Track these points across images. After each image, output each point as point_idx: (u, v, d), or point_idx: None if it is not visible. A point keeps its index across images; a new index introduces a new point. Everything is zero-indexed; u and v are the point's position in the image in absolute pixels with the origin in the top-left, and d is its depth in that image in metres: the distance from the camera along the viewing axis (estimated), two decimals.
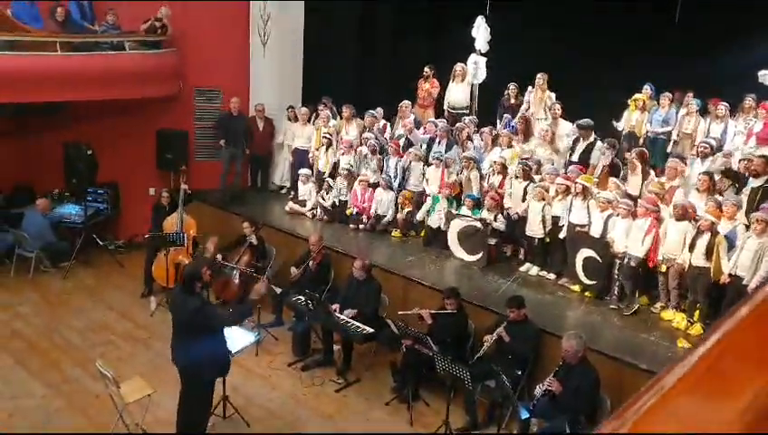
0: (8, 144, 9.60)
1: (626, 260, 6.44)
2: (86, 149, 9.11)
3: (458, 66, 9.47)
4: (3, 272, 8.75)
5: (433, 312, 6.26)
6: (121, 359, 6.76)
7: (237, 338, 5.67)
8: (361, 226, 8.63)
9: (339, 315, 6.61)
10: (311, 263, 7.36)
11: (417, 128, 9.16)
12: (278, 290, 7.31)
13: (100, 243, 9.08)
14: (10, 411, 5.82)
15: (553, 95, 8.71)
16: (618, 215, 6.61)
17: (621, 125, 8.73)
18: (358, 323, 6.50)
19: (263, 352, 7.01)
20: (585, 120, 7.81)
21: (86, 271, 8.99)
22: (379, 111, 9.69)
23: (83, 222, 9.06)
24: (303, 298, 6.79)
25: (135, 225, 9.17)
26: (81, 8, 9.06)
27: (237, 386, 6.24)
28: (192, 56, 9.80)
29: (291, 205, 9.27)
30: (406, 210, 8.45)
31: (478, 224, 7.50)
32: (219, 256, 7.80)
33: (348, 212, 8.82)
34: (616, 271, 6.57)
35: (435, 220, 8.08)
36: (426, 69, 9.71)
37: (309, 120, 9.74)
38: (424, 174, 8.45)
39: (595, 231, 6.78)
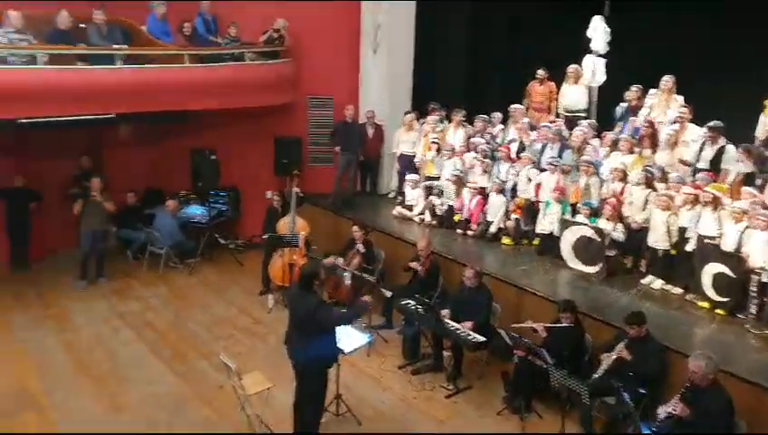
0: (142, 150, 10.53)
1: (765, 277, 6.00)
2: (210, 154, 9.79)
3: (571, 67, 9.24)
4: (137, 267, 9.63)
5: (548, 325, 6.15)
6: (241, 353, 7.18)
7: (350, 338, 5.87)
8: (469, 232, 8.63)
9: (449, 322, 6.66)
10: (419, 268, 7.48)
11: (531, 131, 9.04)
12: (388, 293, 7.49)
13: (222, 242, 9.73)
14: (145, 397, 6.37)
15: (681, 98, 8.26)
16: (754, 227, 6.18)
17: (758, 130, 8.13)
18: (468, 331, 6.51)
19: (374, 354, 7.20)
20: (715, 121, 7.37)
21: (209, 268, 9.69)
22: (497, 115, 9.66)
23: (207, 222, 9.80)
24: (413, 303, 6.90)
25: (254, 226, 9.73)
26: (206, 23, 9.75)
27: (350, 386, 6.45)
28: (306, 65, 10.27)
29: (398, 209, 9.46)
30: (514, 217, 8.36)
31: (593, 234, 7.29)
32: (333, 258, 8.10)
33: (456, 218, 8.86)
34: (753, 287, 6.13)
35: (546, 225, 7.94)
36: (539, 71, 9.55)
37: (415, 126, 9.89)
38: (531, 179, 8.32)
39: (727, 244, 6.37)
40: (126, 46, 8.63)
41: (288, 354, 5.44)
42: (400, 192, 9.84)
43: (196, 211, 10.01)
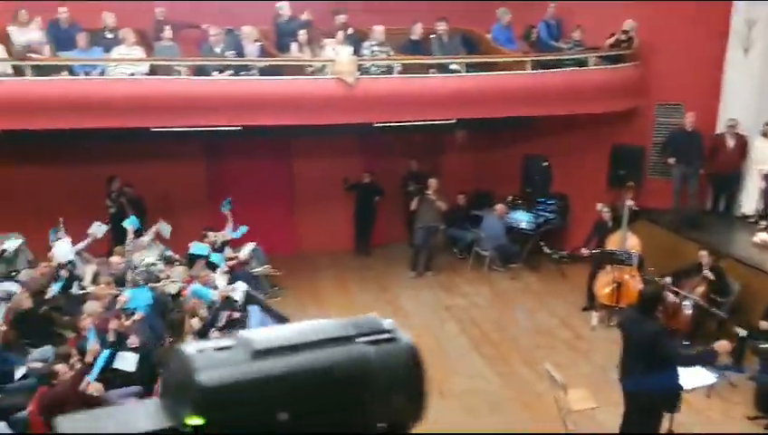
0: (475, 155, 11.19)
1: None
2: (542, 161, 9.88)
3: None
4: (462, 265, 10.26)
5: None
6: (561, 365, 7.00)
7: (693, 374, 5.30)
8: None
9: None
10: None
11: None
12: (742, 332, 6.58)
13: (546, 251, 9.74)
14: (466, 389, 6.72)
15: None
16: None
17: None
18: None
19: (716, 396, 6.39)
20: None
21: (531, 275, 9.82)
22: None
23: (533, 229, 9.94)
24: None
25: (580, 238, 9.51)
26: (550, 28, 9.86)
27: (685, 424, 5.83)
28: (655, 69, 9.62)
29: (762, 236, 8.19)
30: None
31: None
32: (668, 280, 7.45)
33: None
34: None
35: None
36: None
37: None
38: None
39: None
40: (466, 55, 9.23)
41: (620, 380, 5.16)
42: (765, 215, 8.53)
43: (522, 217, 10.22)
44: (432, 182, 9.70)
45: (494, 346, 7.67)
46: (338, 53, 8.53)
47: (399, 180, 10.86)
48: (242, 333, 1.55)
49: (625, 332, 5.31)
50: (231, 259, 8.43)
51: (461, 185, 10.86)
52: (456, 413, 6.25)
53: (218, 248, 8.59)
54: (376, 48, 9.01)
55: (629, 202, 8.39)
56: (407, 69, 8.94)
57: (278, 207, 10.83)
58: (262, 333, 1.57)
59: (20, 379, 5.94)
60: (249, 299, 7.40)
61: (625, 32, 9.45)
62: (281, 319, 7.49)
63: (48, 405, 5.00)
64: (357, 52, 8.76)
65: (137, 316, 6.42)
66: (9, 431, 5.11)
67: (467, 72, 9.00)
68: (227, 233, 9.12)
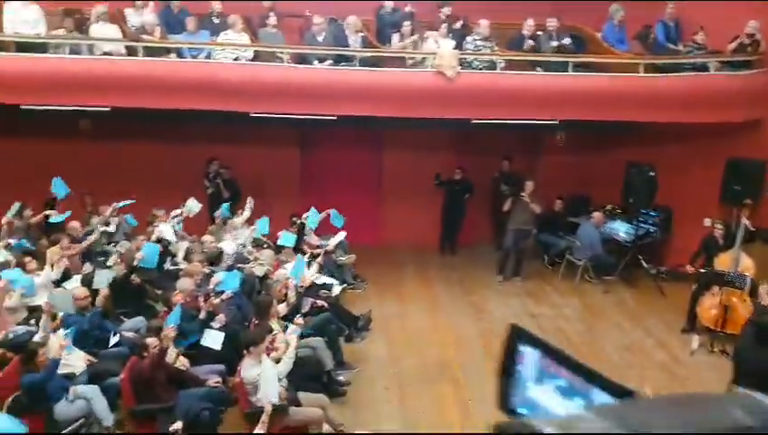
0: (575, 158, 10.80)
1: None
2: (648, 170, 9.38)
3: None
4: (552, 273, 9.96)
5: None
6: (654, 389, 6.69)
7: None
8: None
9: None
10: None
11: None
12: None
13: (644, 265, 9.28)
14: None
15: None
16: None
17: None
18: None
19: None
20: None
21: (626, 290, 9.38)
22: None
23: (632, 241, 9.46)
24: None
25: (683, 254, 8.97)
26: (667, 29, 9.33)
27: None
28: None
29: None
30: None
31: None
32: None
33: None
34: None
35: None
36: None
37: None
38: None
39: None
40: (575, 54, 8.90)
41: None
42: None
43: (621, 227, 9.79)
44: (528, 184, 9.45)
45: (582, 360, 7.35)
46: (440, 46, 8.46)
47: (490, 180, 10.67)
48: (602, 408, 1.32)
49: (737, 361, 4.97)
50: (319, 247, 8.55)
51: (557, 189, 10.52)
52: None
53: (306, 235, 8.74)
54: (480, 42, 8.87)
55: (746, 221, 7.83)
56: (511, 65, 8.74)
57: (365, 197, 10.94)
58: (629, 409, 1.30)
59: (113, 346, 6.28)
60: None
61: (750, 35, 8.80)
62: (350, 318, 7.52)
63: (136, 375, 5.25)
64: (460, 46, 8.67)
65: (225, 296, 6.63)
66: (101, 395, 5.39)
67: (575, 71, 8.68)
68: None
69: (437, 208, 10.78)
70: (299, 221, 8.88)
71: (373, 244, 10.61)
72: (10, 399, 5.16)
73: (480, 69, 8.68)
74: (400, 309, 8.69)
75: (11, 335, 6.14)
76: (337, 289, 7.58)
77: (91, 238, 8.07)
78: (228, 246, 8.19)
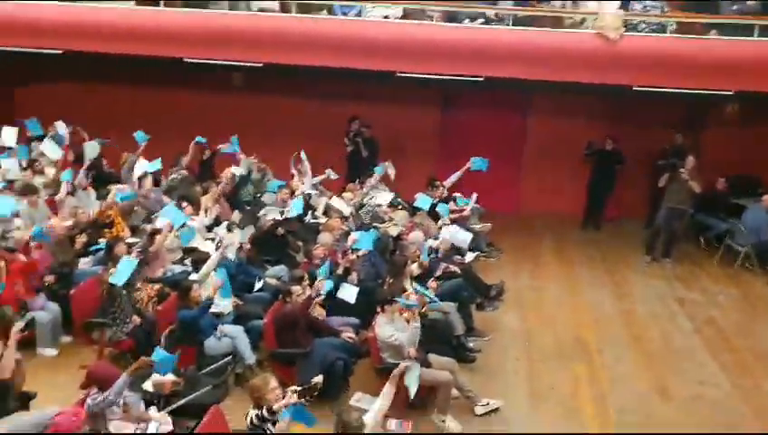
0: (744, 132, 9.90)
1: None
2: None
3: None
4: (707, 257, 9.31)
5: None
6: None
7: None
8: None
9: None
10: None
11: None
12: None
13: None
14: (693, 394, 6.14)
15: None
16: None
17: None
18: None
19: None
20: None
21: None
22: None
23: None
24: None
25: None
26: None
27: None
28: None
29: None
30: None
31: None
32: None
33: None
34: None
35: None
36: None
37: None
38: None
39: None
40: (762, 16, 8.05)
41: None
42: None
43: None
44: (689, 160, 8.78)
45: (734, 353, 6.87)
46: (602, 7, 8.03)
47: (646, 152, 10.04)
48: None
49: None
50: (455, 212, 8.55)
51: (723, 167, 9.72)
52: (678, 418, 5.75)
53: (445, 199, 8.76)
54: (649, 3, 8.31)
55: None
56: (682, 28, 8.10)
57: (505, 162, 10.74)
58: None
59: (257, 291, 6.76)
60: None
61: None
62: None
63: (280, 319, 5.62)
64: (626, 6, 8.19)
65: (361, 252, 6.87)
66: (245, 335, 5.85)
67: (762, 36, 7.87)
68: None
69: (583, 179, 10.37)
70: (437, 184, 8.90)
71: (508, 210, 10.48)
72: (167, 330, 5.76)
73: (647, 32, 8.15)
74: (536, 282, 8.53)
75: (169, 273, 6.81)
76: (470, 256, 7.57)
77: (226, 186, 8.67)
78: (342, 207, 8.36)
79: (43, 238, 6.74)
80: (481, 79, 8.49)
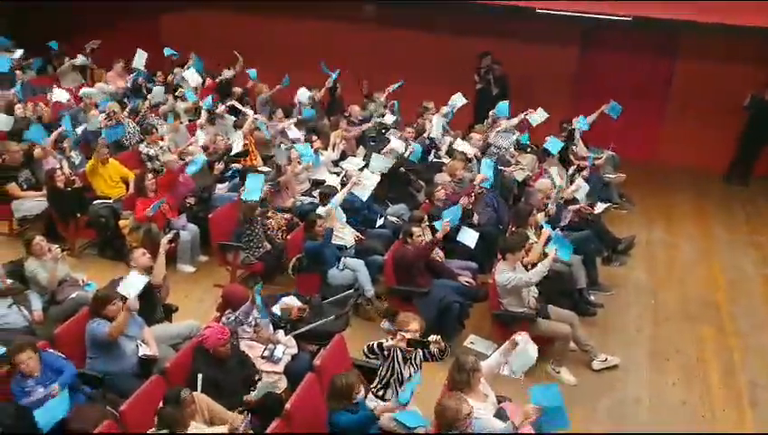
0: None
1: None
2: None
3: None
4: None
5: None
6: None
7: None
8: None
9: None
10: None
11: None
12: None
13: None
14: None
15: None
16: None
17: None
18: None
19: None
20: None
21: None
22: None
23: None
24: None
25: None
26: None
27: None
28: None
29: None
30: None
31: None
32: None
33: None
34: None
35: None
36: None
37: None
38: None
39: None
40: None
41: None
42: None
43: None
44: None
45: None
46: None
47: None
48: None
49: None
50: (585, 159, 8.25)
51: None
52: None
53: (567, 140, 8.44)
54: None
55: None
56: None
57: (646, 109, 10.18)
58: None
59: (378, 227, 6.96)
60: None
61: None
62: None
63: (400, 260, 5.79)
64: None
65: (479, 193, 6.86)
66: (365, 269, 6.08)
67: None
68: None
69: (730, 130, 9.62)
70: (569, 127, 8.59)
71: (643, 158, 9.96)
72: (294, 258, 6.12)
73: None
74: (669, 238, 8.14)
75: (298, 204, 7.17)
76: (601, 207, 7.32)
77: (364, 126, 8.85)
78: (466, 148, 8.20)
79: (195, 167, 7.12)
80: (629, 19, 7.96)
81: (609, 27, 8.65)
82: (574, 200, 7.18)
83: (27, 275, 5.38)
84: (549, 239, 5.69)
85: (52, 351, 4.38)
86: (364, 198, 6.81)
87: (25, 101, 8.81)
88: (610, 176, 8.51)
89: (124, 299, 4.62)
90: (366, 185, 6.72)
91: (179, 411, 3.72)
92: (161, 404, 3.77)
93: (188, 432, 3.73)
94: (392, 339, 4.24)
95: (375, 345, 4.30)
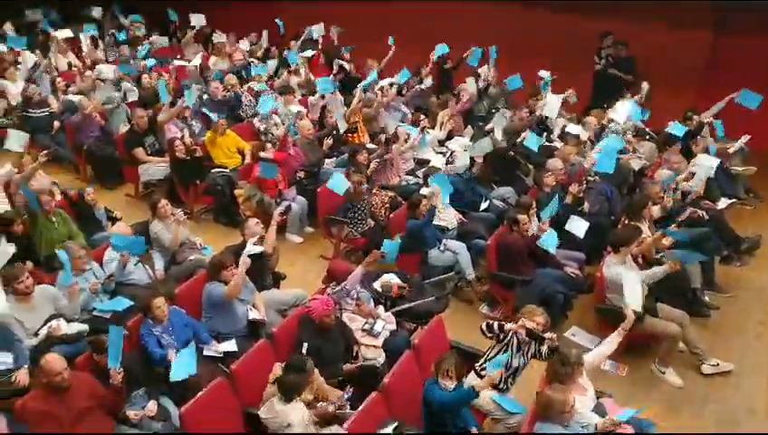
0: None
1: None
2: None
3: None
4: None
5: None
6: None
7: None
8: None
9: None
10: None
11: None
12: None
13: None
14: None
15: None
16: None
17: None
18: None
19: None
20: None
21: None
22: None
23: None
24: None
25: None
26: None
27: None
28: None
29: None
30: None
31: None
32: None
33: None
34: None
35: None
36: None
37: None
38: None
39: None
40: None
41: None
42: None
43: None
44: None
45: None
46: None
47: None
48: None
49: None
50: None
51: None
52: None
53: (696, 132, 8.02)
54: None
55: None
56: None
57: None
58: None
59: (483, 210, 6.98)
60: None
61: None
62: None
63: (504, 247, 5.81)
64: None
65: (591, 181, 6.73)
66: (467, 251, 6.14)
67: None
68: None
69: None
70: (697, 118, 8.14)
71: None
72: (396, 236, 6.29)
73: None
74: None
75: (404, 183, 7.33)
76: (724, 202, 6.95)
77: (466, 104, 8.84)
78: (579, 132, 7.93)
79: (295, 136, 7.57)
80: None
81: (750, 9, 8.06)
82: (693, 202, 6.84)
83: (152, 236, 5.88)
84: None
85: (175, 307, 4.81)
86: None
87: (150, 70, 9.50)
88: (738, 168, 8.02)
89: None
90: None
91: (303, 379, 3.99)
92: (283, 369, 4.05)
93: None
94: (514, 323, 4.32)
95: (496, 325, 4.38)
